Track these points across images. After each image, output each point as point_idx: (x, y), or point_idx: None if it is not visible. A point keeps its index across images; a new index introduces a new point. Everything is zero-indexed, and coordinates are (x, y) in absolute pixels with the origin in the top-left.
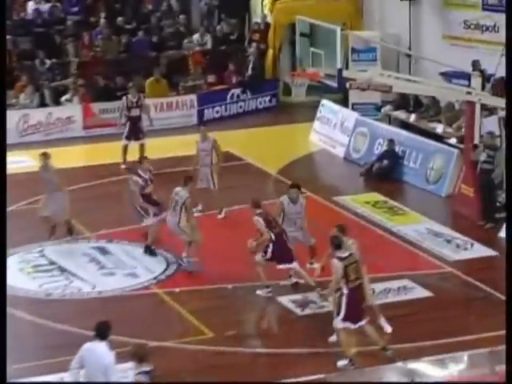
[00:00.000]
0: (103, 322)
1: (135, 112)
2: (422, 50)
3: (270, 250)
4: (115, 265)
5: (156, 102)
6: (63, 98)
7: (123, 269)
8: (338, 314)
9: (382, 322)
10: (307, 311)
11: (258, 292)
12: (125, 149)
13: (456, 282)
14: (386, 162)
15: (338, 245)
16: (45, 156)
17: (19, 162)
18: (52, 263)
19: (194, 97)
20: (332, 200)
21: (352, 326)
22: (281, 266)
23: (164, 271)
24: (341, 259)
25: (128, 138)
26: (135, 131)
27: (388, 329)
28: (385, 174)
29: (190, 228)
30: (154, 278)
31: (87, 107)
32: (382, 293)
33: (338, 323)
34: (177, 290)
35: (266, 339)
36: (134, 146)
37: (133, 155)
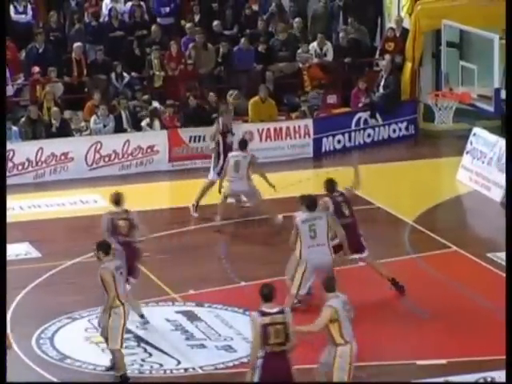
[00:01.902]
0: None
1: (230, 140)
2: None
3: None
4: (206, 335)
5: (261, 128)
6: (144, 122)
7: (216, 340)
8: None
9: None
10: None
11: None
12: (207, 189)
13: None
14: None
15: (265, 295)
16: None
17: (88, 202)
18: (127, 331)
19: (309, 122)
20: (486, 257)
21: None
22: (352, 256)
23: None
24: (263, 314)
25: (220, 173)
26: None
27: None
28: None
29: None
30: None
31: (174, 134)
32: None
33: None
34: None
35: None
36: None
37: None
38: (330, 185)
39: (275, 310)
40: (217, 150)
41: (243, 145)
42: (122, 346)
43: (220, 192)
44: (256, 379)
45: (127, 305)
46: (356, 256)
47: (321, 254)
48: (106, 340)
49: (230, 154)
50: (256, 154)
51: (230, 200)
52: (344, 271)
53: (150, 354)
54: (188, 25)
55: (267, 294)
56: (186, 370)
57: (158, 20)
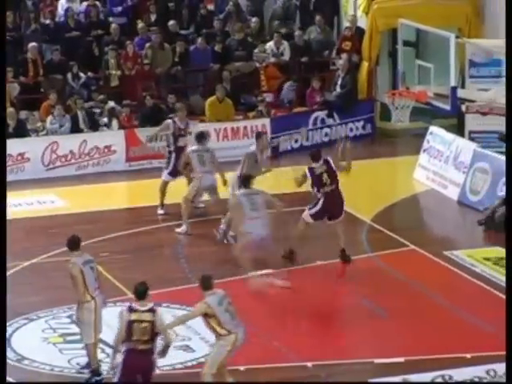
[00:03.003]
0: None
1: (183, 142)
2: None
3: (317, 207)
4: None
5: (218, 128)
6: (101, 122)
7: (174, 340)
8: None
9: None
10: None
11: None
12: (164, 188)
13: None
14: None
15: (138, 292)
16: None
17: (44, 203)
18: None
19: (266, 121)
20: (442, 255)
21: None
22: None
23: None
24: (131, 310)
25: (173, 174)
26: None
27: None
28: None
29: None
30: None
31: (131, 134)
32: (505, 376)
33: None
34: (242, 367)
35: None
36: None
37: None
38: (314, 155)
39: (145, 308)
40: (168, 150)
41: (201, 138)
42: (95, 340)
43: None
44: (117, 374)
45: (99, 298)
46: (332, 222)
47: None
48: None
49: (190, 149)
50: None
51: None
52: (304, 270)
53: (108, 355)
54: (144, 25)
55: (140, 292)
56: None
57: (111, 19)
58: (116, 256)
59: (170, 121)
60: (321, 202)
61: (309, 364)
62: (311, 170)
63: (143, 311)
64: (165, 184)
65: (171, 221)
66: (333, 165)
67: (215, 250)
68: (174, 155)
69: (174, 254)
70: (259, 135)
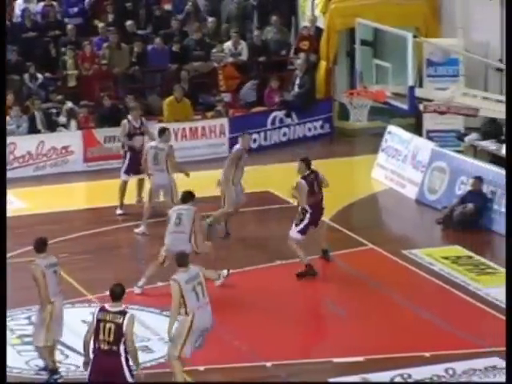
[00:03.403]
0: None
1: (138, 141)
2: None
3: (304, 222)
4: None
5: (176, 128)
6: (60, 122)
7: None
8: None
9: None
10: None
11: None
12: (123, 188)
13: None
14: (470, 206)
15: (113, 294)
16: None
17: None
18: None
19: (225, 121)
20: (401, 254)
21: None
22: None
23: None
24: (102, 310)
25: (128, 172)
26: (136, 164)
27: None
28: (469, 222)
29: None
30: None
31: (89, 134)
32: (464, 374)
33: None
34: (201, 368)
35: None
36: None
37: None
38: (308, 162)
39: (116, 309)
40: (124, 150)
41: (160, 133)
42: (48, 343)
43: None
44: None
45: (59, 303)
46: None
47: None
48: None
49: (149, 145)
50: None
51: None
52: (263, 270)
53: (67, 356)
54: (101, 24)
55: (115, 293)
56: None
57: (66, 20)
58: (76, 256)
59: (125, 120)
60: (308, 215)
61: (268, 364)
62: (305, 178)
63: (112, 312)
64: (124, 184)
65: (131, 221)
66: (319, 172)
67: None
68: (128, 154)
69: (133, 255)
70: (243, 135)
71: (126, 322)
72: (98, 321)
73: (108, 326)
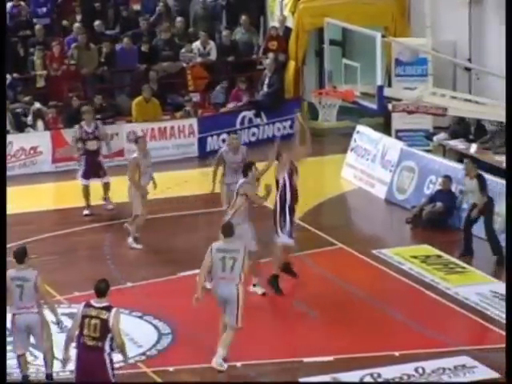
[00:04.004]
0: None
1: (92, 145)
2: (485, 62)
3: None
4: None
5: (145, 128)
6: (28, 122)
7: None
8: None
9: None
10: None
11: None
12: (86, 191)
13: None
14: (439, 205)
15: (97, 289)
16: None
17: None
18: (11, 334)
19: (194, 121)
20: (370, 254)
21: None
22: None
23: (155, 345)
24: (87, 305)
25: (85, 176)
26: (94, 167)
27: None
28: (438, 221)
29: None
30: (143, 354)
31: (58, 135)
32: (434, 373)
33: None
34: (171, 368)
35: None
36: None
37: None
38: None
39: (101, 305)
40: (79, 153)
41: (136, 141)
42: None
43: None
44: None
45: (21, 317)
46: None
47: None
48: None
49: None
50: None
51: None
52: None
53: (36, 357)
54: (70, 25)
55: (100, 289)
56: (71, 372)
57: (35, 20)
58: (45, 258)
59: (77, 126)
60: (288, 218)
61: (238, 364)
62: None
63: (97, 308)
64: (85, 188)
65: (98, 222)
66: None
67: (142, 251)
68: (84, 158)
69: (101, 255)
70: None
71: (112, 318)
72: (83, 316)
73: (93, 321)
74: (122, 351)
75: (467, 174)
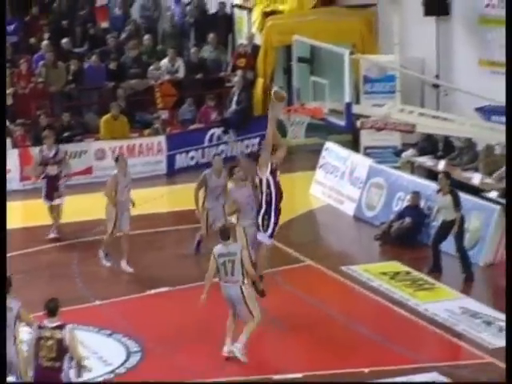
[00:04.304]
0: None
1: (52, 170)
2: (453, 79)
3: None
4: None
5: (113, 146)
6: None
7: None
8: None
9: None
10: None
11: None
12: (50, 211)
13: (498, 375)
14: (407, 220)
15: (48, 309)
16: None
17: None
18: None
19: (162, 139)
20: (340, 270)
21: None
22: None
23: (124, 363)
24: (40, 327)
25: (48, 198)
26: (52, 190)
27: None
28: (407, 237)
29: None
30: (111, 372)
31: (25, 153)
32: None
33: None
34: None
35: None
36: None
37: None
38: None
39: (53, 324)
40: (42, 176)
41: (116, 161)
42: None
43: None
44: None
45: None
46: None
47: None
48: None
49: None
50: (108, 172)
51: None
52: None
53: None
54: (37, 42)
55: (50, 308)
56: None
57: None
58: (12, 276)
59: (37, 150)
60: (273, 219)
61: (208, 381)
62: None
63: (51, 328)
64: (50, 208)
65: (65, 240)
66: None
67: (109, 269)
68: (45, 181)
69: (69, 274)
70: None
71: (67, 336)
72: (38, 338)
73: (49, 342)
74: (80, 366)
75: (441, 189)
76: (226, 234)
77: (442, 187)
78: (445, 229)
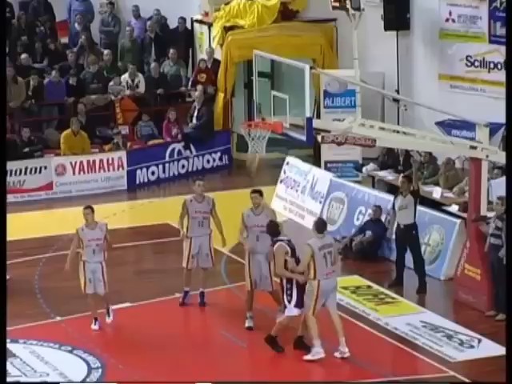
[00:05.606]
0: None
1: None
2: (413, 94)
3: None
4: (21, 371)
5: (74, 161)
6: None
7: (32, 376)
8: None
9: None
10: None
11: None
12: None
13: None
14: (368, 233)
15: None
16: None
17: None
18: None
19: (123, 154)
20: None
21: None
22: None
23: (84, 379)
24: None
25: None
26: None
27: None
28: (368, 252)
29: None
30: None
31: None
32: None
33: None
34: None
35: None
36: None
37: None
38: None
39: None
40: None
41: None
42: None
43: None
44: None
45: None
46: None
47: None
48: None
49: None
50: (69, 188)
51: None
52: (163, 303)
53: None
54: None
55: None
56: None
57: None
58: None
59: None
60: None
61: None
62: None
63: None
64: None
65: (25, 256)
66: None
67: (70, 285)
68: None
69: (30, 289)
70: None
71: None
72: None
73: None
74: None
75: (402, 191)
76: (320, 226)
77: (403, 189)
78: (404, 233)
